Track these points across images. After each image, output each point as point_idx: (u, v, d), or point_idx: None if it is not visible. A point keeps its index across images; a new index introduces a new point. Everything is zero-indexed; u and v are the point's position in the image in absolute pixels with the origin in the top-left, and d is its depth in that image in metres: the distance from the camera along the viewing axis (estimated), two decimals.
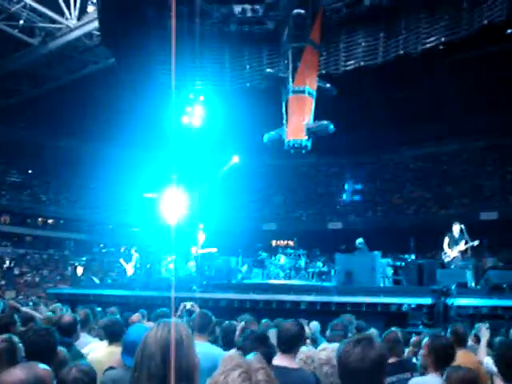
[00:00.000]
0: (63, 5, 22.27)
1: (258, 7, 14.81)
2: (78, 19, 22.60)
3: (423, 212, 27.04)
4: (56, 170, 32.07)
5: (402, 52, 15.13)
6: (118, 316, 6.77)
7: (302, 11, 12.87)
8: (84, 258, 29.18)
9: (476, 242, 12.22)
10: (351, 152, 28.72)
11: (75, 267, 24.80)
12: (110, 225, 33.07)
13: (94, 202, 32.17)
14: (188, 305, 6.34)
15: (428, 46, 14.84)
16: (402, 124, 26.08)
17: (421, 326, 10.32)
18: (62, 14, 22.68)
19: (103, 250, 31.38)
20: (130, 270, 17.42)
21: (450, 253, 12.43)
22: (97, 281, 19.11)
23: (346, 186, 29.52)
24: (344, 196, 29.74)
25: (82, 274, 22.28)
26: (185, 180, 21.41)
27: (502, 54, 20.90)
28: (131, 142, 29.36)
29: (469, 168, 27.39)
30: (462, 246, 12.31)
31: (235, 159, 25.04)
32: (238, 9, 14.91)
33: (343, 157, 30.03)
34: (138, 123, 25.79)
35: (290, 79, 13.17)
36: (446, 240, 12.59)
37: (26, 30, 23.29)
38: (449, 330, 5.20)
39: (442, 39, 14.62)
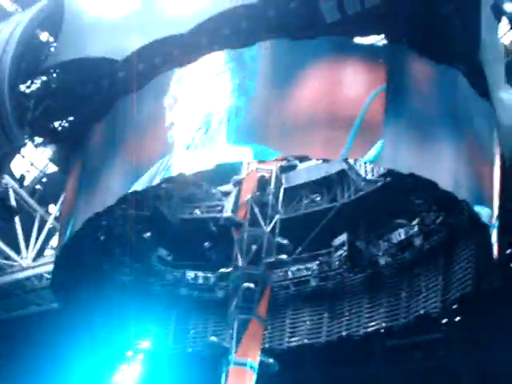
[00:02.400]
0: (23, 244, 22.67)
1: (210, 275, 15.73)
2: (34, 260, 22.79)
3: None
4: None
5: (344, 334, 15.72)
6: None
7: (252, 285, 13.51)
8: None
9: None
10: None
11: None
12: None
13: None
14: None
15: (369, 329, 15.51)
16: None
17: None
18: (18, 251, 22.92)
19: None
20: None
21: None
22: None
23: None
24: None
25: None
26: None
27: (438, 342, 21.73)
28: None
29: None
30: None
31: None
32: (190, 274, 15.79)
33: None
34: (65, 371, 24.07)
35: (233, 350, 13.09)
36: None
37: None
38: None
39: (383, 324, 15.36)
